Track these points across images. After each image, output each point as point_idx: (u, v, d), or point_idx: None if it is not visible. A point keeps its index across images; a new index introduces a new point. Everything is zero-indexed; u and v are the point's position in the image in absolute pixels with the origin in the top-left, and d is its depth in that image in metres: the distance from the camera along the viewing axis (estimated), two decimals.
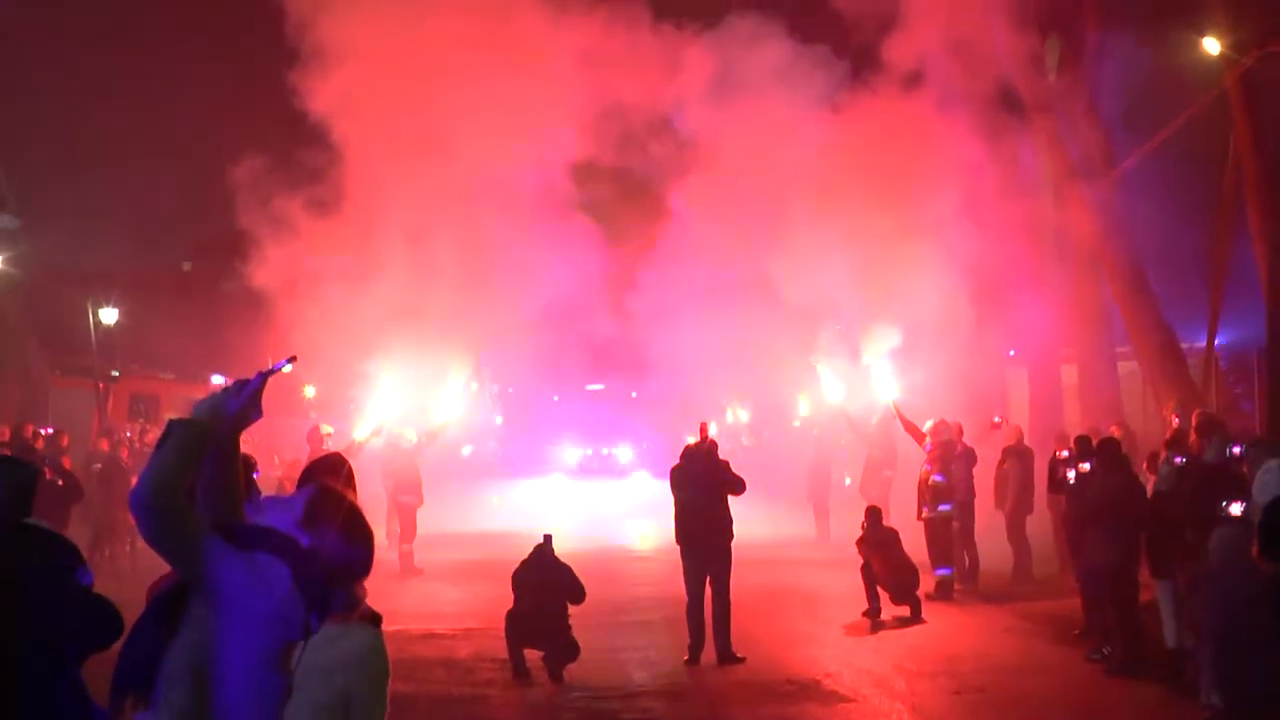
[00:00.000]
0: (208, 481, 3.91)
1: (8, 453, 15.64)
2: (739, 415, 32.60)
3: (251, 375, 3.98)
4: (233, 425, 3.87)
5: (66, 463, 18.44)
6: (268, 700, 3.82)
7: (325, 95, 20.45)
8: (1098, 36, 22.44)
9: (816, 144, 20.74)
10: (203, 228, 22.37)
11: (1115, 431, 15.75)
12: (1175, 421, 17.41)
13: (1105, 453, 12.65)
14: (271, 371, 3.98)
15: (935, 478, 16.61)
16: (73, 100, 34.96)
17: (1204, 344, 22.35)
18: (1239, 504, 8.00)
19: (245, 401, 3.86)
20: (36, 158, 35.17)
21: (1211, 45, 19.11)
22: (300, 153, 21.43)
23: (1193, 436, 15.49)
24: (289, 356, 4.32)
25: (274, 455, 22.77)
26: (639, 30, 21.66)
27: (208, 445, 3.80)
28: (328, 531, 4.49)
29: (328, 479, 5.06)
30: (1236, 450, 13.42)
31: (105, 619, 5.00)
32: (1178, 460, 12.63)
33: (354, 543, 4.59)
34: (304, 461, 10.61)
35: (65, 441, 20.61)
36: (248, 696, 3.75)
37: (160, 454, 3.69)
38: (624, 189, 23.78)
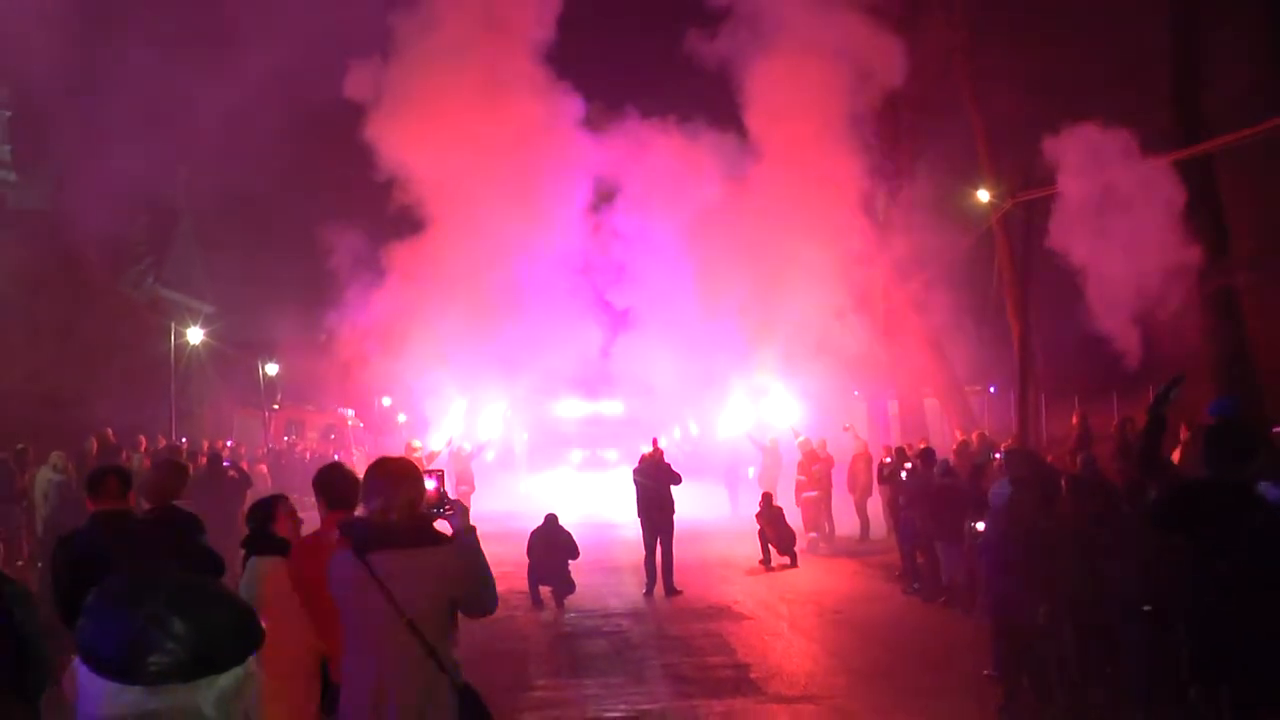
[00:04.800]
0: None
1: (204, 459, 15.58)
2: (687, 430, 32.46)
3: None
4: None
5: (244, 465, 18.31)
6: None
7: (404, 199, 20.40)
8: (909, 188, 22.73)
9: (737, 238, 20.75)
10: (329, 308, 22.25)
11: (922, 444, 15.80)
12: (959, 436, 17.57)
13: (927, 458, 12.61)
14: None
15: (800, 477, 16.66)
16: (246, 216, 34.07)
17: (980, 387, 22.52)
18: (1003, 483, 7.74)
19: None
20: (223, 261, 34.77)
21: (983, 194, 19.44)
22: (385, 249, 21.25)
23: (973, 447, 15.62)
24: None
25: None
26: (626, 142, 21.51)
27: None
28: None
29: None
30: (997, 455, 13.53)
31: (213, 564, 5.00)
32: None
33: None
34: None
35: (243, 450, 20.55)
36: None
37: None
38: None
